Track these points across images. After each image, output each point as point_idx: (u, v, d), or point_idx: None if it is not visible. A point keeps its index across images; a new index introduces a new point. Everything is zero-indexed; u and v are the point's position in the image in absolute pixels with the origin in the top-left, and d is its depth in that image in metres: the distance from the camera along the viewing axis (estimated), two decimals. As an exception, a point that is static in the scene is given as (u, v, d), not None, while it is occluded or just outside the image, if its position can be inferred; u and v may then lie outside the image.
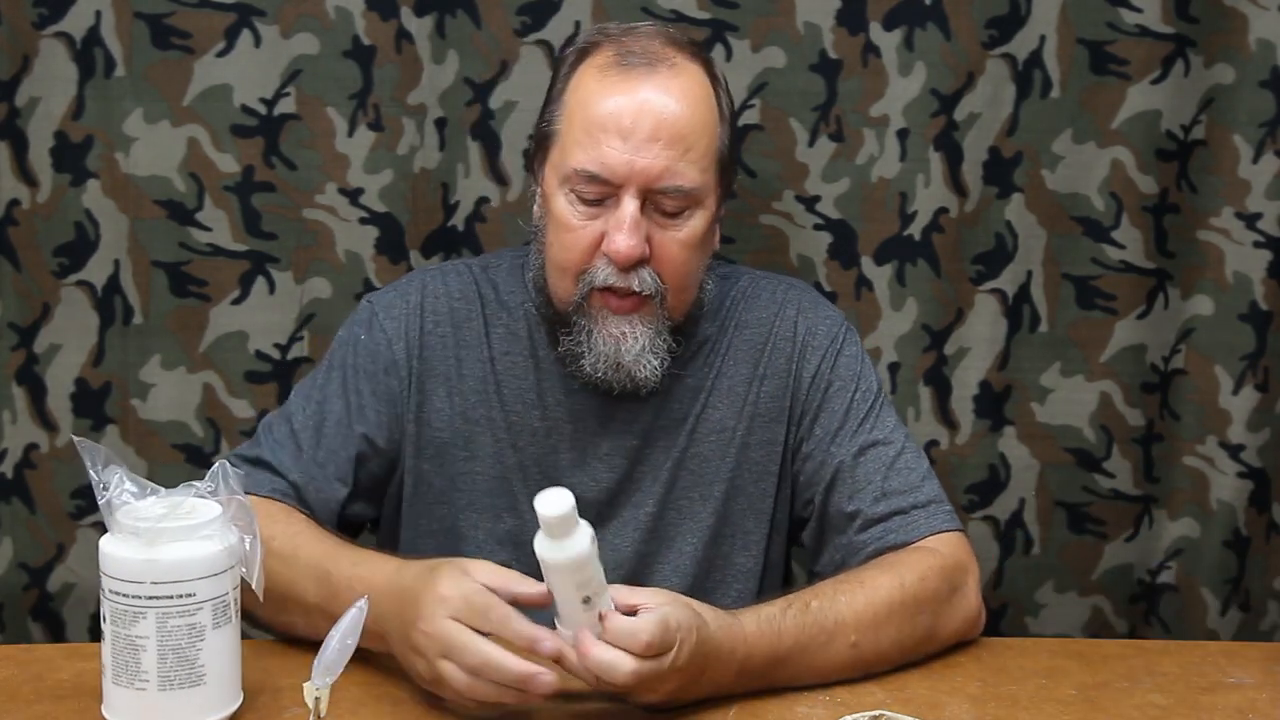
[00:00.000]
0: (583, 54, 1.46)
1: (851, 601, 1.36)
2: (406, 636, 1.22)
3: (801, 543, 1.57)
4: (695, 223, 1.44)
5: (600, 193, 1.41)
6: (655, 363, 1.45)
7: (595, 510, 1.49)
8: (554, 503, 1.16)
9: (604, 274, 1.41)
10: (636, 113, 1.40)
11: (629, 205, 1.40)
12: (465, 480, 1.51)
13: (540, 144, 1.49)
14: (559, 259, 1.45)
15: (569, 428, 1.51)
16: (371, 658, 1.29)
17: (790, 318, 1.54)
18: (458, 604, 1.19)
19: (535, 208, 1.52)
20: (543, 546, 1.18)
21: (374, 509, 1.54)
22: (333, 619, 1.12)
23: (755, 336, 1.54)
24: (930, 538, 1.45)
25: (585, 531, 1.18)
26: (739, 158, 1.53)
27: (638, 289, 1.42)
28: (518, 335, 1.52)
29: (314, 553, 1.35)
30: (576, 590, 1.18)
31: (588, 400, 1.50)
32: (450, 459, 1.51)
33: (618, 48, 1.44)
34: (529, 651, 1.18)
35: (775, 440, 1.53)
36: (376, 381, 1.50)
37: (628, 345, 1.44)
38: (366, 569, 1.30)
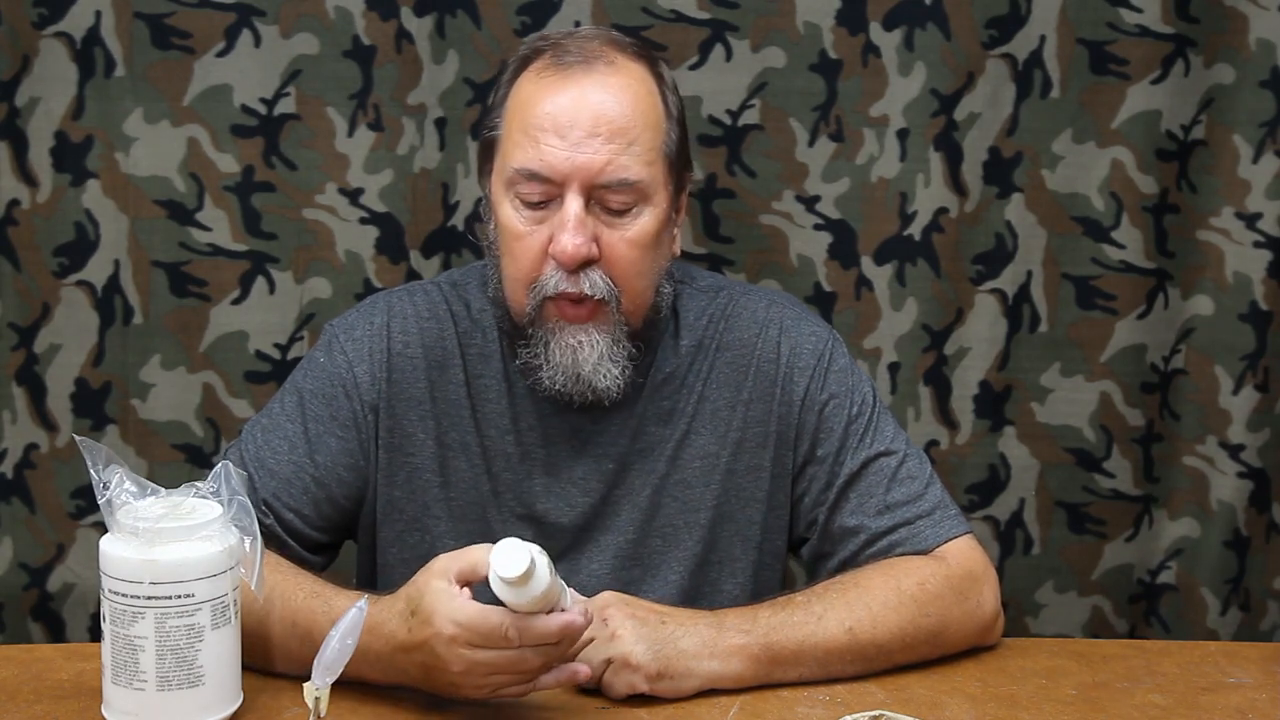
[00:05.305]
0: (525, 61, 1.44)
1: (844, 593, 1.36)
2: (427, 649, 1.20)
3: (800, 557, 1.56)
4: (645, 221, 1.40)
5: (543, 193, 1.38)
6: (615, 371, 1.40)
7: (570, 535, 1.46)
8: (510, 563, 1.13)
9: (554, 282, 1.37)
10: (574, 110, 1.37)
11: (572, 204, 1.36)
12: (440, 507, 1.47)
13: (485, 153, 1.47)
14: (510, 271, 1.41)
15: (542, 452, 1.47)
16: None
17: (773, 338, 1.49)
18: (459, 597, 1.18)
19: (489, 221, 1.48)
20: (505, 594, 1.15)
21: (333, 536, 1.48)
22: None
23: (737, 359, 1.49)
24: (938, 546, 1.45)
25: (543, 569, 1.14)
26: (690, 160, 1.50)
27: (589, 292, 1.37)
28: (490, 356, 1.48)
29: (290, 607, 1.31)
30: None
31: (561, 424, 1.46)
32: (423, 485, 1.46)
33: (555, 51, 1.42)
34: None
35: (762, 466, 1.49)
36: (336, 406, 1.45)
37: (585, 355, 1.39)
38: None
